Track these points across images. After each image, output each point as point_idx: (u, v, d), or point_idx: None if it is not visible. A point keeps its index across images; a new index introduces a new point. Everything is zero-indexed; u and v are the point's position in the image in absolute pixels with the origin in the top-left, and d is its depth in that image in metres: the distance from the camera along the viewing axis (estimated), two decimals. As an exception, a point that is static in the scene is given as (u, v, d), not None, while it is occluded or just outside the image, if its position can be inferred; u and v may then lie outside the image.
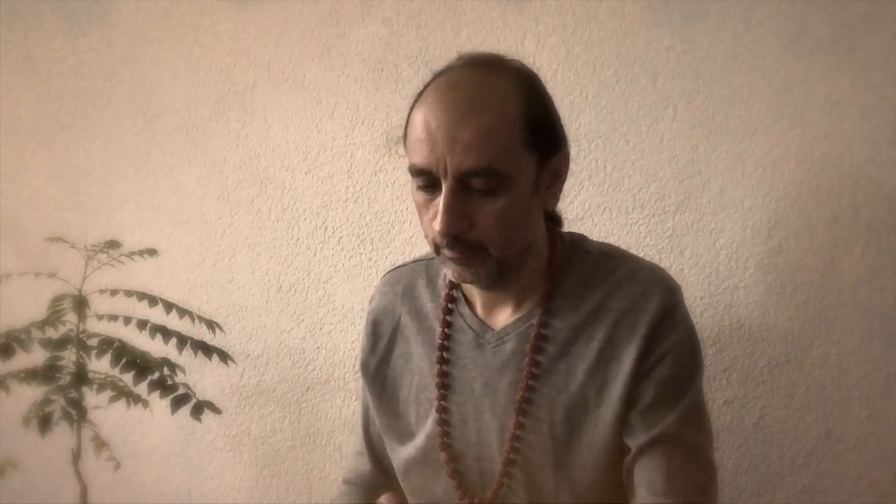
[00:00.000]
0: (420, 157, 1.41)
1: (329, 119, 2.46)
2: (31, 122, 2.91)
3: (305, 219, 2.51)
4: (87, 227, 2.68)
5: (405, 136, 1.46)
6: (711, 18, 2.10)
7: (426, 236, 1.47)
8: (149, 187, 2.68)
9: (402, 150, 1.52)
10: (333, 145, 2.46)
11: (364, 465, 1.75)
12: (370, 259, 2.44)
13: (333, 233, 2.48)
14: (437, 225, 1.40)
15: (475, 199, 1.41)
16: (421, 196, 1.44)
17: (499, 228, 1.42)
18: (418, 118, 1.42)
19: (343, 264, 2.47)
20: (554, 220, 1.60)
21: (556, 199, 1.53)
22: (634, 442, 1.45)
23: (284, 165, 2.51)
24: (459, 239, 1.42)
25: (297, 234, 2.52)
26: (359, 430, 1.76)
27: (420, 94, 1.46)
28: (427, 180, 1.42)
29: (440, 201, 1.40)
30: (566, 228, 1.69)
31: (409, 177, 2.33)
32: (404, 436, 1.59)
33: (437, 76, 1.47)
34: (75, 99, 2.85)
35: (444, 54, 2.28)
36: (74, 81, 2.85)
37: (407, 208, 2.39)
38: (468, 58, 1.48)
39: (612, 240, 2.01)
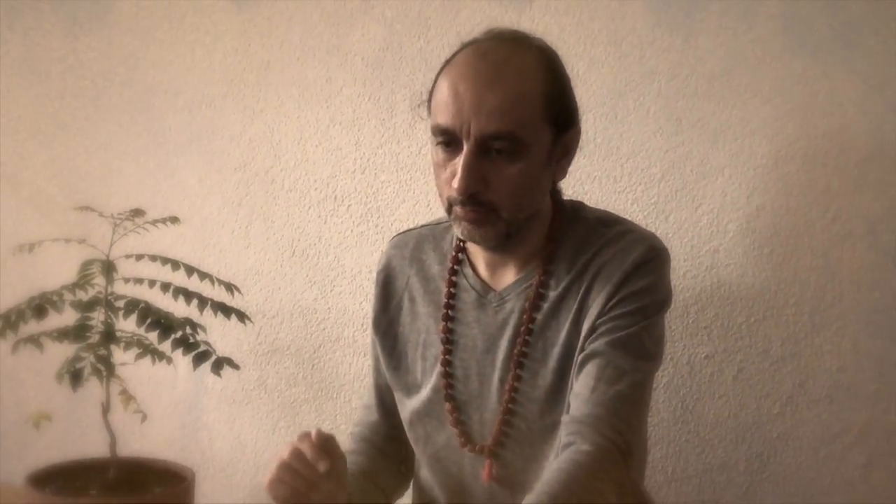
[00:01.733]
0: (446, 117, 1.42)
1: (338, 94, 2.45)
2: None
3: (316, 188, 2.50)
4: (114, 198, 2.68)
5: (430, 99, 1.47)
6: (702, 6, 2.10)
7: (440, 195, 1.48)
8: (170, 161, 2.68)
9: (424, 113, 1.52)
10: (342, 119, 2.45)
11: (371, 415, 1.75)
12: (377, 226, 2.44)
13: (342, 201, 2.48)
14: (455, 183, 1.41)
15: (493, 162, 1.42)
16: (441, 156, 1.45)
17: (512, 192, 1.43)
18: (447, 82, 1.44)
19: (351, 231, 2.47)
20: (555, 191, 1.60)
21: (565, 172, 1.54)
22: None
23: (296, 139, 2.51)
24: (474, 198, 1.42)
25: (308, 202, 2.52)
26: (369, 382, 1.76)
27: (448, 61, 1.47)
28: (448, 140, 1.42)
29: (460, 161, 1.41)
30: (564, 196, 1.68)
31: (411, 151, 2.36)
32: (411, 388, 1.60)
33: (466, 46, 1.47)
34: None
35: (444, 25, 2.29)
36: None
37: (411, 178, 2.39)
38: (496, 32, 1.49)
39: (601, 206, 2.01)
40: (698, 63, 2.10)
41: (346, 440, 1.90)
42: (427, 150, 2.34)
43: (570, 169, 1.61)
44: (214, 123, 2.62)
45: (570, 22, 2.19)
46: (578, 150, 1.62)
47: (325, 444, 1.40)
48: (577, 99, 1.57)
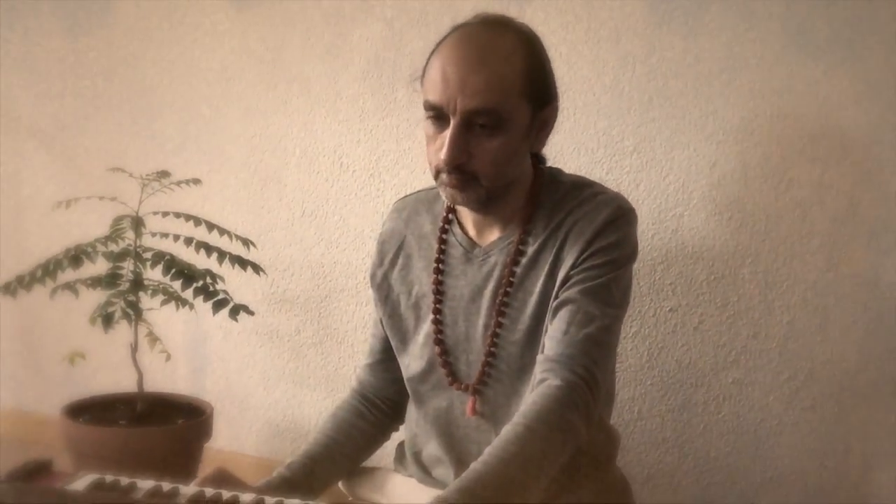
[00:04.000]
0: (435, 94, 1.42)
1: (344, 71, 2.44)
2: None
3: (324, 155, 2.50)
4: (145, 161, 2.68)
5: (423, 77, 1.47)
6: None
7: (430, 163, 1.48)
8: (195, 129, 2.68)
9: (418, 87, 1.52)
10: (348, 94, 2.45)
11: (367, 372, 1.71)
12: (378, 189, 2.44)
13: (347, 167, 2.48)
14: (442, 154, 1.42)
15: (476, 136, 1.42)
16: (431, 129, 1.45)
17: (492, 163, 1.44)
18: (437, 63, 1.44)
19: (356, 193, 2.47)
20: (539, 158, 1.60)
21: (543, 144, 1.54)
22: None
23: (307, 110, 2.50)
24: (459, 168, 1.43)
25: (317, 168, 2.51)
26: (369, 340, 1.75)
27: (439, 44, 1.46)
28: (438, 115, 1.43)
29: (447, 135, 1.41)
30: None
31: (410, 123, 2.36)
32: (405, 333, 1.61)
33: (456, 29, 1.47)
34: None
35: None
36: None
37: (409, 147, 2.39)
38: (483, 17, 1.49)
39: (579, 174, 2.02)
40: (669, 49, 2.10)
41: (347, 380, 1.90)
42: (423, 123, 2.35)
43: (552, 140, 1.61)
44: (231, 97, 2.61)
45: (553, 10, 2.18)
46: (560, 124, 1.62)
47: (221, 477, 1.38)
48: (559, 79, 1.57)
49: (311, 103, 2.50)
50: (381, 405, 1.70)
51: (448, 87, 1.41)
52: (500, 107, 1.41)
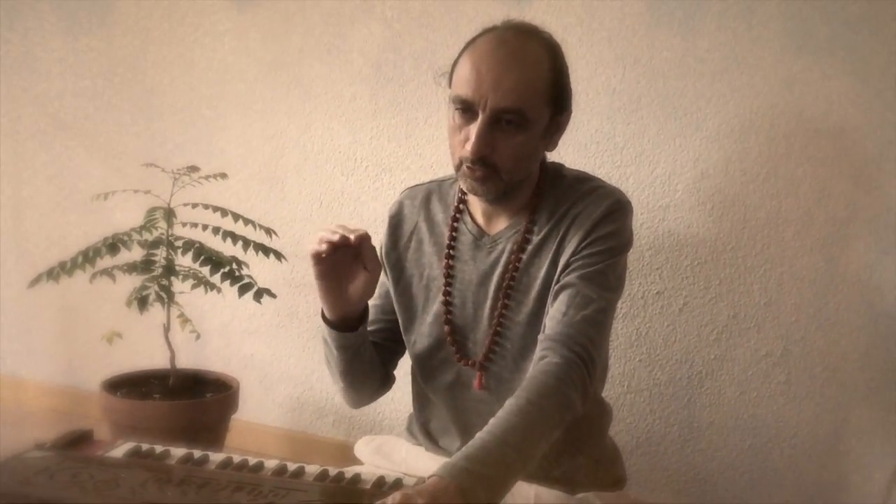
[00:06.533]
0: (467, 90, 1.40)
1: (358, 75, 2.42)
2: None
3: (339, 151, 2.48)
4: (175, 156, 2.66)
5: (452, 73, 1.45)
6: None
7: (452, 153, 1.46)
8: (221, 126, 2.66)
9: (442, 83, 1.50)
10: (361, 95, 2.43)
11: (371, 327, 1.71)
12: (389, 183, 2.42)
13: (361, 162, 2.46)
14: (468, 146, 1.40)
15: (501, 132, 1.41)
16: (457, 121, 1.43)
17: (514, 158, 1.43)
18: (469, 61, 1.42)
19: (368, 186, 2.46)
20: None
21: (556, 145, 1.53)
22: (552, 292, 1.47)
23: (324, 111, 2.49)
24: (482, 160, 1.41)
25: (333, 162, 2.50)
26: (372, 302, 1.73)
27: (471, 44, 1.44)
28: (465, 109, 1.41)
29: (474, 129, 1.40)
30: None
31: (418, 121, 2.34)
32: (414, 312, 1.59)
33: (486, 32, 1.45)
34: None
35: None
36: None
37: (417, 144, 2.37)
38: (513, 24, 1.47)
39: (576, 168, 2.00)
40: (657, 52, 2.08)
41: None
42: (430, 121, 2.33)
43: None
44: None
45: (550, 16, 2.16)
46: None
47: (361, 236, 1.44)
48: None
49: (326, 106, 2.48)
50: (382, 356, 1.68)
51: (481, 85, 1.39)
52: (526, 107, 1.40)
